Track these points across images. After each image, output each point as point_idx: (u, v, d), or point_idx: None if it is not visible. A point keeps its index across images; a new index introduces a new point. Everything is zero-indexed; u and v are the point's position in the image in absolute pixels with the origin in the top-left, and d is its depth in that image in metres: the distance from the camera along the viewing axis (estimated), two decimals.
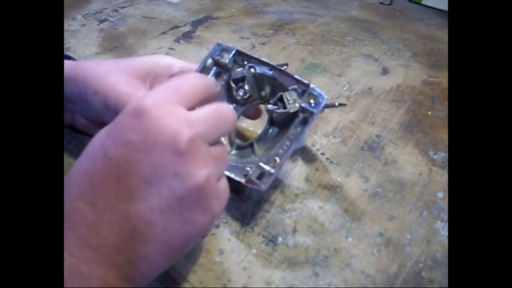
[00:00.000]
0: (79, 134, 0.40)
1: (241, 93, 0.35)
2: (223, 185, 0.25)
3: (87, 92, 0.33)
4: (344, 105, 0.36)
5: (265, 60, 0.34)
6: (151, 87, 0.35)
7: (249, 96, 0.35)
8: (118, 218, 0.21)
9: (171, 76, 0.36)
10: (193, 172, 0.22)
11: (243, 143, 0.37)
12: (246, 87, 0.35)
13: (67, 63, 0.34)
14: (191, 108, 0.24)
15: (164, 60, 0.36)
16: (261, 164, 0.31)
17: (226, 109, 0.26)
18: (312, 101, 0.32)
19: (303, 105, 0.32)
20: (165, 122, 0.22)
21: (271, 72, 0.35)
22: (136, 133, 0.21)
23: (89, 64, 0.34)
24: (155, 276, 0.23)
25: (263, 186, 0.30)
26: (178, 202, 0.22)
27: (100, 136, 0.23)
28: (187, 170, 0.21)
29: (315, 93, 0.32)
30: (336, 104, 0.37)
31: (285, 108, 0.32)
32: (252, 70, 0.35)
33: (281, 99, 0.33)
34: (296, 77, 0.33)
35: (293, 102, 0.32)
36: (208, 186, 0.22)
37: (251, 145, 0.36)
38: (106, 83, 0.33)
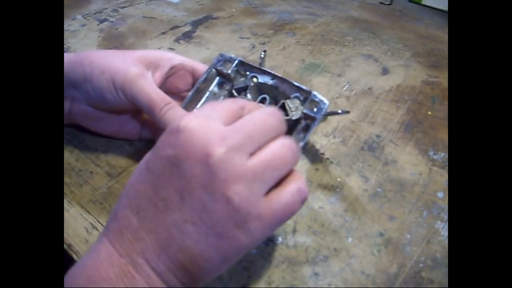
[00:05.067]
0: (78, 132, 0.40)
1: None
2: (271, 201, 0.22)
3: (92, 72, 0.34)
4: (347, 112, 0.35)
5: (267, 70, 0.35)
6: (153, 75, 0.36)
7: None
8: (155, 227, 0.22)
9: (172, 67, 0.37)
10: (222, 186, 0.21)
11: None
12: (249, 96, 0.36)
13: (71, 54, 0.36)
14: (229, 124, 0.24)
15: (165, 54, 0.38)
16: None
17: (268, 114, 0.24)
18: (314, 107, 0.32)
19: (305, 111, 0.32)
20: (197, 135, 0.22)
21: (273, 81, 0.35)
22: (171, 147, 0.22)
23: (94, 50, 0.36)
24: (198, 285, 0.23)
25: None
26: (209, 216, 0.21)
27: (149, 152, 0.25)
28: (217, 184, 0.21)
29: (316, 99, 0.33)
30: (339, 111, 0.36)
31: (287, 115, 0.33)
32: (255, 79, 0.36)
33: (283, 106, 0.33)
34: (298, 85, 0.34)
35: (295, 109, 0.33)
36: (241, 202, 0.21)
37: None
38: (113, 63, 0.34)
